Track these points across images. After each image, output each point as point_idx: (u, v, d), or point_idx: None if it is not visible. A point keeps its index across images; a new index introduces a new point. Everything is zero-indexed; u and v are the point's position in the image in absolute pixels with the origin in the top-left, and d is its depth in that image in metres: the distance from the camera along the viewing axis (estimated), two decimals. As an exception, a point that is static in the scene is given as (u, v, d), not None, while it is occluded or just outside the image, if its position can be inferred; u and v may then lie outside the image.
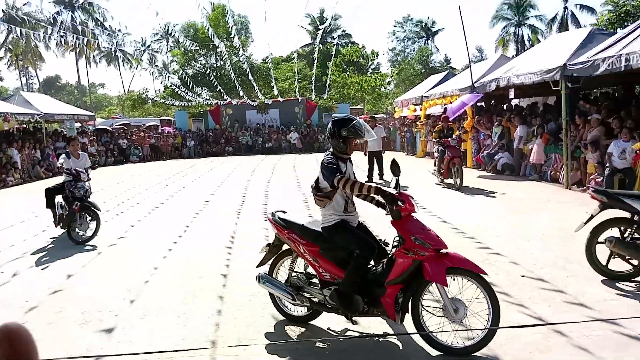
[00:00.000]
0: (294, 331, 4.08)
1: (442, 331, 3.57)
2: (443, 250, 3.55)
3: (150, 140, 26.06)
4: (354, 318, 3.85)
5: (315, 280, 4.05)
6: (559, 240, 6.46)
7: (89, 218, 7.67)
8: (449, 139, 11.52)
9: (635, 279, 4.87)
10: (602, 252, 5.01)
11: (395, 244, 3.70)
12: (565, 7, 43.37)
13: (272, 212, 4.27)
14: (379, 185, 3.63)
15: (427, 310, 3.64)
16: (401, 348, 3.76)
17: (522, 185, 11.36)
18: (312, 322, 4.17)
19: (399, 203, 3.57)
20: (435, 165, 12.68)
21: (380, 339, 3.90)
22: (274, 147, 26.73)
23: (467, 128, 15.36)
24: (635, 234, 4.80)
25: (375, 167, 12.97)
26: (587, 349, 3.52)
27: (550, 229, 7.10)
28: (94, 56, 57.51)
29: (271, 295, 4.29)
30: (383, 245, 3.91)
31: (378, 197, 3.75)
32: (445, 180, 11.82)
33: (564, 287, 4.73)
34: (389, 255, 3.73)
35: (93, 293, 5.19)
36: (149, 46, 58.60)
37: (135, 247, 7.11)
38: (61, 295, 5.20)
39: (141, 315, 4.53)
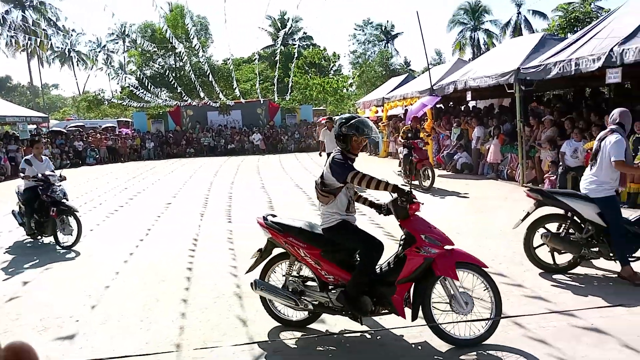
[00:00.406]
0: (258, 333, 4.07)
1: (446, 323, 3.67)
2: (448, 247, 3.66)
3: (108, 142, 25.36)
4: (362, 318, 3.78)
5: (311, 283, 3.99)
6: (515, 236, 6.67)
7: (70, 221, 7.26)
8: (417, 140, 11.35)
9: (572, 270, 5.13)
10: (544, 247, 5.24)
11: (402, 242, 3.76)
12: (519, 13, 44.92)
13: (264, 216, 4.10)
14: (395, 183, 3.63)
15: (434, 307, 3.72)
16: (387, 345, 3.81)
17: (480, 184, 11.69)
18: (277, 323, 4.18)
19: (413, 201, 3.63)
20: (400, 166, 12.54)
21: (368, 336, 3.94)
22: (237, 148, 26.50)
23: (427, 129, 15.67)
24: (570, 229, 5.08)
25: None
26: (544, 340, 3.67)
27: (508, 226, 7.32)
28: (46, 56, 55.43)
29: (263, 301, 4.13)
30: None
31: (394, 194, 3.67)
32: (413, 182, 11.68)
33: (521, 281, 4.91)
34: (397, 254, 3.77)
35: (52, 299, 5.02)
36: (104, 46, 56.98)
37: (95, 252, 6.91)
38: (18, 302, 5.01)
39: (102, 320, 4.42)
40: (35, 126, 25.44)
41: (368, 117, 23.06)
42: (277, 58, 28.75)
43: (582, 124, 10.10)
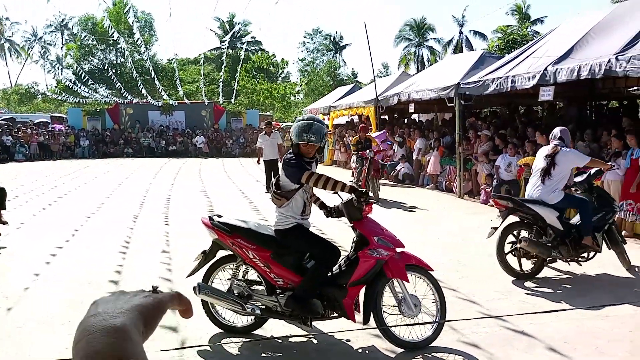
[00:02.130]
0: (190, 339, 3.88)
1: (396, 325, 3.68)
2: (399, 249, 3.65)
3: (39, 137, 23.97)
4: (311, 322, 3.70)
5: (257, 287, 3.83)
6: (453, 245, 6.85)
7: None
8: (367, 151, 10.98)
9: (537, 275, 5.36)
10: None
11: (354, 244, 3.72)
12: (461, 32, 46.81)
13: (209, 216, 3.91)
14: (350, 183, 3.59)
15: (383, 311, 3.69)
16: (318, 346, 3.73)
17: (420, 194, 11.95)
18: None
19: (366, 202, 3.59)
20: (353, 176, 11.98)
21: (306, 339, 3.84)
22: (179, 150, 25.79)
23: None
24: (536, 234, 5.36)
25: (273, 177, 11.70)
26: (477, 344, 3.73)
27: (445, 234, 7.52)
28: (-26, 44, 51.87)
29: (205, 306, 3.89)
30: None
31: (350, 195, 3.62)
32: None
33: (456, 287, 5.00)
34: (349, 257, 3.72)
35: (-40, 301, 4.58)
36: (41, 38, 54.07)
37: (15, 252, 6.42)
38: None
39: (20, 324, 4.07)
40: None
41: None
42: (224, 60, 28.34)
43: (516, 140, 10.57)
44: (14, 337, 3.83)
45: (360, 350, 3.71)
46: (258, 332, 3.96)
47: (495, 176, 10.14)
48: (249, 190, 12.23)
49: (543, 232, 5.34)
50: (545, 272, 5.48)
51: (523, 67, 9.26)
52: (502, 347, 3.69)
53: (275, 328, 4.01)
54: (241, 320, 3.96)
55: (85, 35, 31.71)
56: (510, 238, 5.46)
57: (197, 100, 31.01)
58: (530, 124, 11.47)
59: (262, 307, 3.71)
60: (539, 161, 5.52)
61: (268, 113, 35.15)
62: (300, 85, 40.02)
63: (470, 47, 44.64)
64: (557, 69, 8.08)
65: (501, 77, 9.47)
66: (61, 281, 5.19)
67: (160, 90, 28.35)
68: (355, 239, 3.77)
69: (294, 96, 38.18)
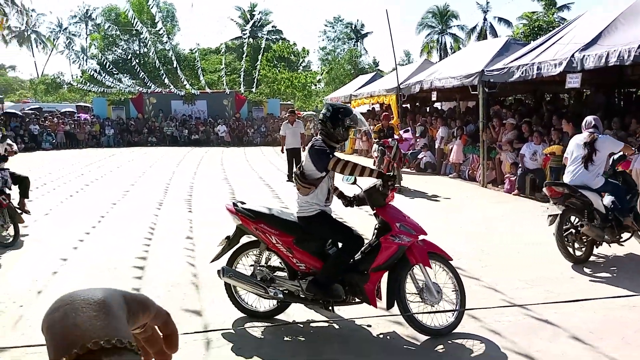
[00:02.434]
0: (213, 323, 3.95)
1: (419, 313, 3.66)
2: (421, 236, 3.69)
3: (65, 127, 24.46)
4: (334, 307, 3.75)
5: (280, 273, 3.89)
6: (476, 234, 6.78)
7: (7, 220, 6.25)
8: (389, 139, 10.75)
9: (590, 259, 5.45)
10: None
11: (376, 231, 3.75)
12: (485, 19, 45.93)
13: (233, 202, 3.96)
14: (376, 168, 3.64)
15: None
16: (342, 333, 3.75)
17: (443, 183, 11.84)
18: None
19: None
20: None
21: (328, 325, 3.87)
22: (201, 139, 26.02)
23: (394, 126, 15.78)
24: (588, 219, 5.41)
25: (295, 166, 11.64)
26: (500, 332, 3.70)
27: (467, 223, 7.45)
28: (3, 36, 52.96)
29: (228, 290, 3.95)
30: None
31: (376, 180, 3.70)
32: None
33: (479, 275, 4.96)
34: (370, 243, 3.74)
35: (-7, 284, 4.74)
36: (65, 28, 54.92)
37: (45, 237, 6.60)
38: (-45, 286, 4.71)
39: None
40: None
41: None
42: (245, 50, 28.39)
43: (542, 128, 10.36)
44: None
45: (381, 336, 3.72)
46: (280, 317, 4.00)
47: (519, 165, 9.98)
48: (270, 179, 12.29)
49: (593, 217, 5.46)
50: (568, 263, 5.39)
51: (549, 54, 9.04)
52: (526, 335, 3.66)
53: (297, 313, 4.04)
54: (264, 305, 4.00)
55: (109, 26, 32.10)
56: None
57: (219, 89, 31.19)
58: (556, 111, 11.24)
59: (285, 291, 3.75)
60: (575, 149, 5.70)
61: (289, 102, 35.19)
62: (321, 74, 39.86)
63: (495, 34, 43.82)
64: (584, 56, 7.88)
65: (527, 64, 9.28)
66: (88, 266, 5.32)
67: (182, 79, 28.60)
68: (377, 225, 3.78)
69: (315, 85, 38.08)
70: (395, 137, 11.02)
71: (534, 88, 13.88)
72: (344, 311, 4.03)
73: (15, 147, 6.90)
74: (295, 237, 3.70)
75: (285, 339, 3.72)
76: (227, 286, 3.94)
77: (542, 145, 9.64)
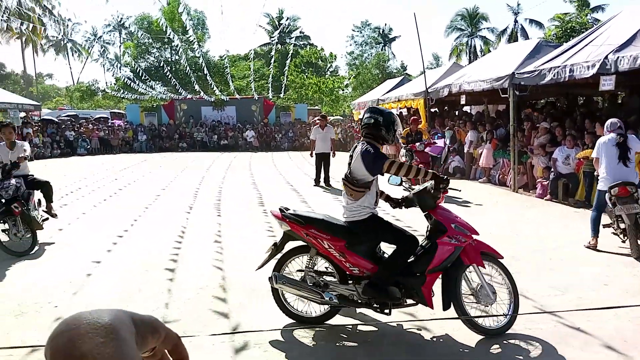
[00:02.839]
0: (240, 325, 3.99)
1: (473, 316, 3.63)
2: (474, 236, 3.75)
3: (100, 133, 25.15)
4: (391, 309, 3.77)
5: (328, 278, 3.90)
6: (506, 239, 6.66)
7: (22, 228, 6.18)
8: (416, 144, 10.62)
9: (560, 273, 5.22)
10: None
11: (428, 233, 3.81)
12: (516, 21, 45.15)
13: (280, 209, 3.94)
14: (431, 170, 3.74)
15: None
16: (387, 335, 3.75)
17: (473, 188, 11.68)
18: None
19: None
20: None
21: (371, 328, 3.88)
22: (230, 144, 26.37)
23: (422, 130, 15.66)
24: None
25: (323, 171, 11.69)
26: (531, 341, 3.63)
27: (498, 229, 7.33)
28: (41, 45, 54.96)
29: (277, 297, 3.93)
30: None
31: (429, 183, 3.80)
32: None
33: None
34: (423, 245, 3.78)
35: (31, 285, 4.92)
36: (100, 37, 56.60)
37: (79, 240, 6.79)
38: (-5, 286, 4.91)
39: (83, 307, 4.30)
40: (24, 114, 25.18)
41: (361, 119, 23.16)
42: (273, 55, 28.66)
43: (576, 132, 10.12)
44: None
45: (434, 340, 3.70)
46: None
47: (552, 169, 9.77)
48: (297, 184, 12.36)
49: None
50: (601, 269, 5.25)
51: (582, 56, 8.84)
52: (557, 344, 3.57)
53: (343, 319, 4.04)
54: (313, 311, 3.98)
55: (142, 34, 32.90)
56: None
57: (248, 95, 31.57)
58: (589, 115, 10.96)
59: (338, 295, 3.77)
60: (606, 149, 6.02)
61: (316, 107, 35.32)
62: (349, 79, 39.86)
63: (526, 36, 43.01)
64: (618, 57, 7.67)
65: (559, 66, 9.09)
66: (121, 269, 5.45)
67: (212, 86, 29.06)
68: (429, 227, 3.82)
69: (343, 90, 38.11)
70: (424, 140, 10.92)
71: (566, 91, 13.57)
72: (380, 316, 4.02)
73: (28, 152, 6.61)
74: (346, 241, 3.70)
75: (337, 344, 3.70)
76: (275, 293, 3.92)
77: (575, 149, 9.42)
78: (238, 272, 5.25)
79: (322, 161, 11.64)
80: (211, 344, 3.63)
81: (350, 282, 3.78)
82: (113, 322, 0.50)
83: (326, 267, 3.93)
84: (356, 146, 3.83)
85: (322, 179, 11.79)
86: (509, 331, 3.78)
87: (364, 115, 3.92)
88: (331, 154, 11.80)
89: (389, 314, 3.76)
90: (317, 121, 12.20)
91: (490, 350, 3.54)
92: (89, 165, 18.12)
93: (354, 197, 3.72)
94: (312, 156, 12.06)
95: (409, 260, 3.69)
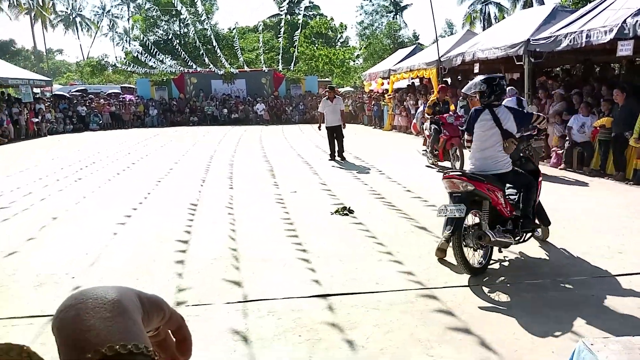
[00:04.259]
0: (253, 294, 4.05)
1: None
2: None
3: (111, 107, 25.24)
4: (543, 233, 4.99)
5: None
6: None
7: None
8: (446, 115, 9.65)
9: None
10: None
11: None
12: (532, -14, 43.82)
13: (459, 171, 4.74)
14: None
15: None
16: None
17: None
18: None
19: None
20: (425, 144, 10.71)
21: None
22: (240, 118, 26.30)
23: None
24: None
25: (336, 144, 11.32)
26: (544, 308, 3.64)
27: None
28: (50, 20, 54.80)
29: (460, 254, 4.17)
30: None
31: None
32: (441, 164, 9.95)
33: (522, 251, 4.86)
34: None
35: (49, 257, 5.02)
36: (108, 11, 56.23)
37: (94, 213, 6.89)
38: (15, 257, 5.01)
39: (99, 278, 4.41)
40: (38, 90, 25.32)
41: (372, 90, 22.90)
42: (282, 27, 28.27)
43: (591, 100, 9.91)
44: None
45: (444, 309, 3.72)
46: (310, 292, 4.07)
47: (567, 138, 9.62)
48: (309, 156, 12.34)
49: None
50: (614, 237, 5.20)
51: (599, 21, 8.60)
52: (568, 312, 3.58)
53: (355, 287, 4.09)
54: (476, 262, 4.32)
55: (150, 7, 32.57)
56: None
57: (257, 68, 31.31)
58: (606, 82, 10.70)
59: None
60: None
61: (327, 79, 34.96)
62: (360, 49, 39.25)
63: (542, 2, 41.82)
64: (637, 21, 7.45)
65: (575, 32, 8.87)
66: (135, 241, 5.53)
67: (221, 58, 28.83)
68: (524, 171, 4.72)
69: (354, 61, 37.60)
70: (453, 113, 10.07)
71: (583, 57, 13.24)
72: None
73: None
74: (502, 190, 4.38)
75: (326, 311, 3.76)
76: (460, 250, 4.16)
77: (590, 117, 9.25)
78: (250, 244, 5.30)
79: (334, 134, 11.35)
80: (225, 312, 3.69)
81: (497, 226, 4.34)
82: (120, 298, 0.51)
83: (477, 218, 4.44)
84: (478, 113, 4.57)
85: (335, 152, 11.42)
86: (518, 301, 3.79)
87: (477, 85, 4.57)
88: (342, 126, 11.48)
89: (545, 237, 4.96)
90: (326, 93, 11.87)
91: (498, 319, 3.55)
92: (101, 140, 18.25)
93: (510, 150, 4.46)
94: (319, 129, 11.84)
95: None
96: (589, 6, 10.27)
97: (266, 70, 29.23)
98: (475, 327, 3.39)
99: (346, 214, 6.41)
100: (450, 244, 4.25)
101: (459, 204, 4.18)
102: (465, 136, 4.88)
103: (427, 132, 10.50)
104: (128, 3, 53.42)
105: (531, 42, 10.07)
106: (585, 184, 8.23)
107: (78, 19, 56.25)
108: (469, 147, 4.83)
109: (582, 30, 8.69)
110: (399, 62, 19.70)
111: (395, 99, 19.17)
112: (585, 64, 14.03)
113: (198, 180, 9.27)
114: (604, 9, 8.88)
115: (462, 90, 5.84)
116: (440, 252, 4.49)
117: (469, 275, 4.21)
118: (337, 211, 6.52)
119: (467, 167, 4.80)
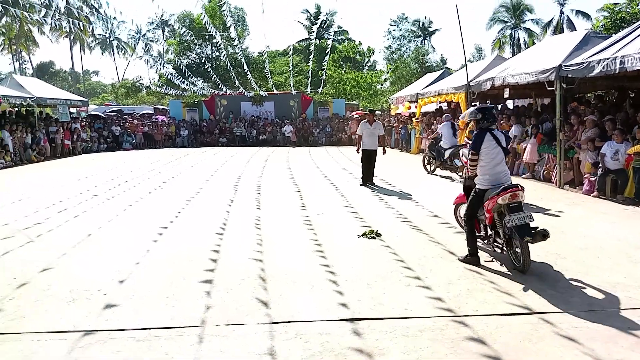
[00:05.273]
0: (280, 315, 4.05)
1: None
2: None
3: (144, 128, 25.92)
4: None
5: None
6: (552, 237, 6.46)
7: None
8: None
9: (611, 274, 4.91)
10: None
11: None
12: (562, 12, 43.63)
13: (514, 184, 5.12)
14: None
15: None
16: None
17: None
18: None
19: None
20: (459, 172, 10.83)
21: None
22: (268, 139, 26.65)
23: (460, 126, 15.37)
24: None
25: (369, 170, 10.96)
26: (577, 340, 3.53)
27: (544, 226, 7.11)
28: (88, 43, 57.01)
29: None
30: None
31: None
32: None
33: (554, 281, 4.75)
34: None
35: (82, 273, 5.14)
36: (144, 35, 58.21)
37: (126, 231, 7.05)
38: (50, 273, 5.15)
39: (130, 295, 4.49)
40: (75, 109, 26.19)
41: (399, 113, 22.90)
42: (312, 51, 28.71)
43: (625, 127, 9.70)
44: (125, 307, 4.22)
45: (474, 337, 3.65)
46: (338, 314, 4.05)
47: (600, 165, 9.41)
48: (335, 178, 12.38)
49: None
50: (657, 268, 5.03)
51: (633, 47, 8.47)
52: (605, 343, 3.47)
53: (384, 312, 4.06)
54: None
55: (184, 31, 33.60)
56: None
57: (286, 90, 31.77)
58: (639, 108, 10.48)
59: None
60: None
61: (354, 102, 35.20)
62: (387, 73, 39.46)
63: (572, 28, 41.47)
64: (674, 47, 7.31)
65: (608, 58, 8.74)
66: (166, 259, 5.62)
67: (251, 81, 29.40)
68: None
69: (381, 84, 37.80)
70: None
71: (616, 84, 13.02)
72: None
73: None
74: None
75: (355, 335, 3.73)
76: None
77: (624, 144, 9.05)
78: (278, 264, 5.32)
79: (369, 159, 10.89)
80: (253, 333, 3.70)
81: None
82: None
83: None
84: (482, 135, 5.19)
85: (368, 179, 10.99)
86: (555, 331, 3.69)
87: (473, 114, 5.28)
88: (381, 151, 11.10)
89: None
90: (365, 116, 11.31)
91: (531, 349, 3.46)
92: (134, 160, 18.70)
93: (508, 165, 5.28)
94: (358, 152, 11.28)
95: None
96: (623, 32, 10.14)
97: (294, 93, 29.65)
98: (509, 356, 3.31)
99: (373, 237, 6.40)
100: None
101: (523, 211, 4.97)
102: (470, 155, 5.29)
103: (464, 159, 10.35)
104: (163, 27, 55.23)
105: (563, 68, 9.96)
106: (618, 212, 8.01)
107: (115, 42, 58.36)
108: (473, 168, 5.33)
109: (616, 57, 8.56)
110: (427, 86, 19.71)
111: (423, 123, 19.14)
112: (619, 90, 13.79)
113: (226, 200, 9.39)
114: (639, 36, 8.76)
115: (460, 118, 6.76)
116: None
117: (501, 304, 4.12)
118: (364, 234, 6.52)
119: (481, 183, 5.28)
